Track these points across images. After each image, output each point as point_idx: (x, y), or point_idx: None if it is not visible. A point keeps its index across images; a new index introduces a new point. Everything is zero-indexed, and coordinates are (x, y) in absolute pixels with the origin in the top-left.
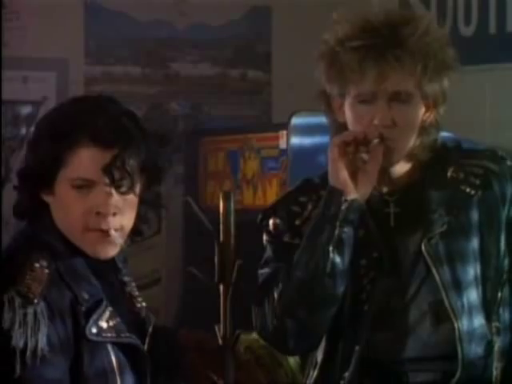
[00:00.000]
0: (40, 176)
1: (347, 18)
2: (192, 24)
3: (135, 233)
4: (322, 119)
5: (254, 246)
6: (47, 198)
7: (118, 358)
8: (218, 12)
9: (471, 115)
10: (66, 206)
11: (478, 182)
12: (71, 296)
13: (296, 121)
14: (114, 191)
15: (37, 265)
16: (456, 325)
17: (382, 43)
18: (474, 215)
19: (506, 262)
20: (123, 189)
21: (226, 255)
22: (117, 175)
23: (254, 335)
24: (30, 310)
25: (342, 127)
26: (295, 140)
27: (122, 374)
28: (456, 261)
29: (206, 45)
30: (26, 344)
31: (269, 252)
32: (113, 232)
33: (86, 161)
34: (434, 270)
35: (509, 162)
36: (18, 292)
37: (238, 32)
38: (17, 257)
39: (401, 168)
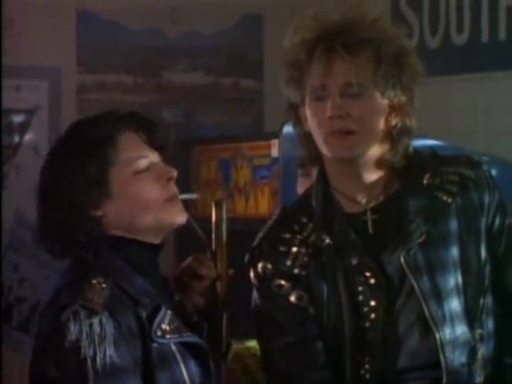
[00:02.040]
0: (96, 185)
1: (305, 23)
2: (184, 32)
3: None
4: None
5: (246, 254)
6: (99, 212)
7: (180, 352)
8: (210, 20)
9: (464, 123)
10: (138, 193)
11: (454, 189)
12: (132, 304)
13: (288, 130)
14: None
15: (94, 281)
16: (437, 335)
17: (331, 34)
18: (453, 223)
19: (488, 268)
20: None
21: (218, 264)
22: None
23: (244, 344)
24: (96, 320)
25: (308, 136)
26: (287, 149)
27: (186, 364)
28: (436, 270)
29: (198, 53)
30: (95, 353)
31: (264, 310)
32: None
33: (130, 144)
34: (413, 281)
35: (485, 167)
36: (81, 306)
37: (230, 40)
38: (73, 281)
39: (376, 177)
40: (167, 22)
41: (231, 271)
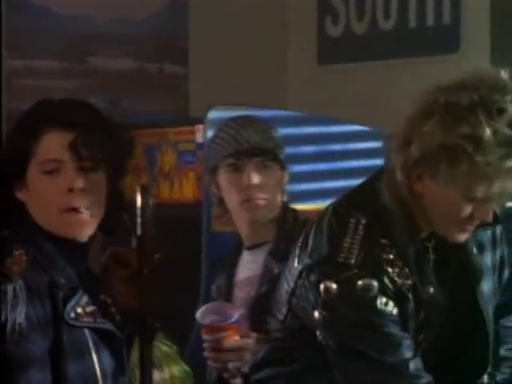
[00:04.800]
0: (12, 170)
1: (481, 121)
2: (111, 18)
3: (103, 230)
4: (238, 113)
5: (171, 239)
6: (22, 196)
7: (94, 340)
8: (136, 6)
9: (388, 109)
10: (39, 193)
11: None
12: (49, 280)
13: (213, 115)
14: (80, 168)
15: (16, 252)
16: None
17: None
18: (497, 251)
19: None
20: (89, 164)
21: (143, 249)
22: (82, 152)
23: None
24: (10, 287)
25: (417, 197)
26: (212, 134)
27: (98, 353)
28: (491, 301)
29: (124, 39)
30: (6, 319)
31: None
32: (84, 209)
33: (51, 143)
34: (485, 318)
35: None
36: None
37: (156, 26)
38: None
39: None
40: (95, 7)
41: (157, 256)
